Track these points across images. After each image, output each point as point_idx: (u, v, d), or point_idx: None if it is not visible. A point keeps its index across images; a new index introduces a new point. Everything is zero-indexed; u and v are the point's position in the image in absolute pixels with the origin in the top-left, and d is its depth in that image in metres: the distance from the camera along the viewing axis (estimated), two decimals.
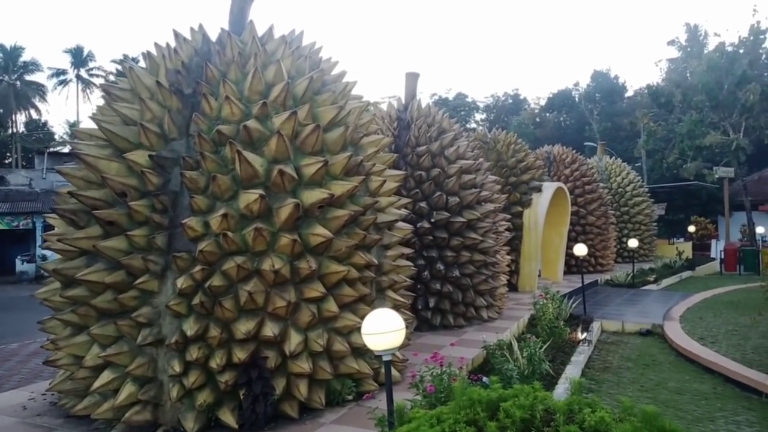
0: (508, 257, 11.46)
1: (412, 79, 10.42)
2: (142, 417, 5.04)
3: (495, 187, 10.76)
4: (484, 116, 59.83)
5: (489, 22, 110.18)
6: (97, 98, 53.59)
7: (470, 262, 9.45)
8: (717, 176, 25.19)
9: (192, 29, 6.09)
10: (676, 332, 9.72)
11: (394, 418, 2.99)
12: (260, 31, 6.18)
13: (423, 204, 9.26)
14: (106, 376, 5.11)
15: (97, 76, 53.87)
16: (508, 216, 12.14)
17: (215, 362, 4.95)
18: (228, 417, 4.97)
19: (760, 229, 23.48)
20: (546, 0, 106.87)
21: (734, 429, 5.72)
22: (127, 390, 5.01)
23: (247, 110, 5.45)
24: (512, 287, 13.32)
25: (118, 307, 5.11)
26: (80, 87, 54.42)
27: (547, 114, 56.74)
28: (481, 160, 10.65)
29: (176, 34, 5.96)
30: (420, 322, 9.12)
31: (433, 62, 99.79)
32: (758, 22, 26.10)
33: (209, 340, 4.99)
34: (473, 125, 52.74)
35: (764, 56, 36.89)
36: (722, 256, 22.27)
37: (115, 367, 5.13)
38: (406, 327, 6.84)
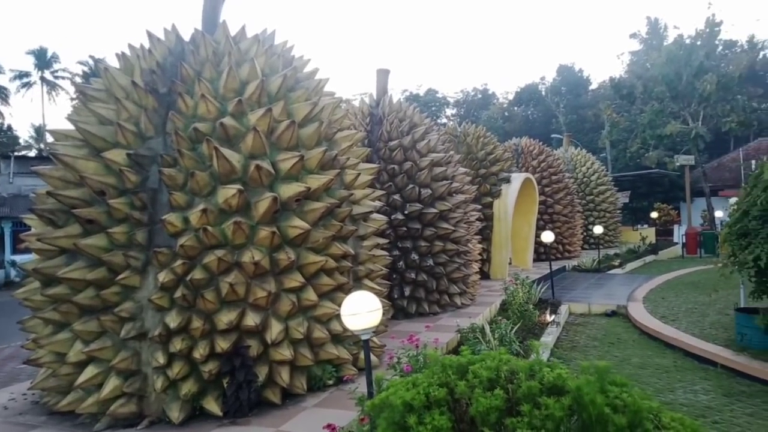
0: (480, 246, 11.81)
1: (383, 75, 10.66)
2: (128, 409, 5.15)
3: (466, 179, 11.08)
4: (454, 111, 60.50)
5: (457, 19, 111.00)
6: (64, 100, 52.23)
7: (443, 251, 9.74)
8: (678, 164, 26.13)
9: (165, 29, 6.18)
10: (639, 312, 10.20)
11: (373, 388, 3.22)
12: (233, 30, 6.31)
13: (396, 196, 9.50)
14: (90, 371, 5.20)
15: (63, 78, 52.50)
16: (479, 206, 12.48)
17: (198, 353, 5.10)
18: (212, 405, 5.13)
19: (718, 213, 24.47)
20: None
21: (692, 397, 6.13)
22: (112, 384, 5.12)
23: (223, 108, 5.59)
24: (484, 275, 13.71)
25: (101, 303, 5.21)
26: (45, 89, 52.93)
27: (515, 108, 57.68)
28: (451, 153, 10.94)
29: (150, 35, 6.04)
30: (396, 310, 9.39)
31: (403, 59, 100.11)
32: (713, 15, 27.10)
33: (192, 331, 5.14)
34: (444, 120, 53.28)
35: (720, 48, 38.26)
36: (684, 241, 23.16)
37: (98, 362, 5.23)
38: (383, 314, 7.11)
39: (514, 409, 2.47)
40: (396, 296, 9.37)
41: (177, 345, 5.08)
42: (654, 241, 24.24)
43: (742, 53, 34.36)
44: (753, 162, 23.01)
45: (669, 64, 25.52)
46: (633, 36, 46.67)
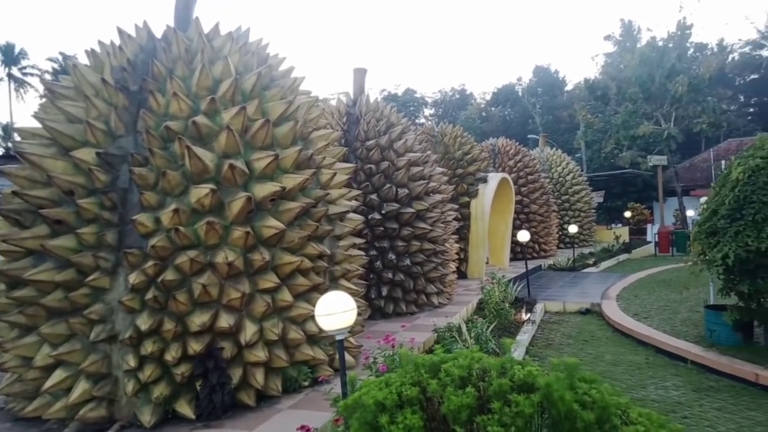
0: (457, 245, 11.87)
1: (360, 74, 10.63)
2: (97, 414, 5.04)
3: (443, 179, 11.13)
4: (432, 111, 60.76)
5: (436, 19, 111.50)
6: (32, 98, 50.96)
7: (420, 251, 9.76)
8: (651, 164, 26.65)
9: (137, 26, 6.07)
10: (612, 310, 10.37)
11: (347, 389, 3.20)
12: (206, 28, 6.22)
13: (373, 196, 9.49)
14: (58, 376, 5.08)
15: (31, 75, 51.24)
16: (456, 206, 12.55)
17: (171, 355, 5.02)
18: (185, 408, 5.05)
19: (690, 213, 25.03)
20: None
21: (663, 393, 6.24)
22: (81, 388, 5.00)
23: (196, 106, 5.50)
24: (462, 275, 13.80)
25: (69, 305, 5.09)
26: (13, 86, 51.59)
27: (493, 108, 58.21)
28: (428, 152, 10.98)
29: (120, 32, 5.92)
30: (373, 310, 9.38)
31: (382, 59, 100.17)
32: (684, 18, 27.72)
33: (164, 333, 5.05)
34: (422, 120, 53.48)
35: (691, 50, 39.13)
36: (656, 239, 23.62)
37: (67, 366, 5.11)
38: (360, 315, 7.09)
39: (485, 406, 2.48)
40: (373, 296, 9.36)
41: (148, 347, 4.99)
42: (627, 240, 24.69)
43: (712, 56, 35.29)
44: (723, 162, 23.62)
45: (642, 66, 26.05)
46: (607, 38, 47.51)
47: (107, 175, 5.27)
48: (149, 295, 5.02)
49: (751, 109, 51.19)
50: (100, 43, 5.95)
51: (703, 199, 8.11)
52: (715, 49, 47.03)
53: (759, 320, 7.11)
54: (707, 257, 7.24)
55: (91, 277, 5.05)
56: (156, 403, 5.03)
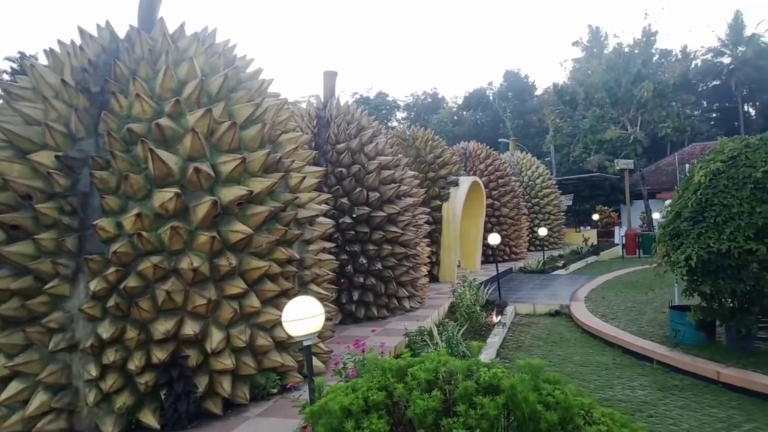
0: (429, 249, 11.90)
1: (330, 77, 10.59)
2: (56, 426, 4.87)
3: (414, 182, 11.14)
4: (405, 115, 60.98)
5: (408, 23, 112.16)
6: None
7: (392, 254, 9.75)
8: (618, 168, 27.25)
9: (98, 26, 5.91)
10: (581, 311, 10.52)
11: (315, 395, 3.16)
12: (171, 28, 6.10)
13: (344, 200, 9.44)
14: (14, 387, 4.89)
15: None
16: (428, 209, 12.59)
17: (134, 364, 4.88)
18: (149, 418, 4.91)
19: (656, 215, 25.64)
20: (460, 1, 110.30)
21: (629, 393, 6.34)
22: (39, 399, 4.83)
23: (159, 108, 5.39)
24: (433, 278, 13.83)
25: (26, 314, 4.91)
26: None
27: (464, 112, 58.77)
28: (400, 156, 10.98)
29: (81, 31, 5.76)
30: (345, 315, 9.32)
31: (354, 62, 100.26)
32: (650, 25, 28.54)
33: (127, 342, 4.91)
34: (395, 123, 53.62)
35: (656, 56, 40.24)
36: (624, 242, 24.11)
37: (24, 377, 4.92)
38: (330, 320, 7.04)
39: (451, 409, 2.46)
40: (344, 301, 9.30)
41: (110, 356, 4.85)
42: (596, 243, 25.12)
43: (676, 62, 36.32)
44: (687, 166, 24.27)
45: (609, 72, 26.66)
46: (575, 44, 48.47)
47: (67, 178, 5.11)
48: (111, 302, 4.88)
49: (714, 114, 52.90)
50: (60, 42, 5.78)
51: (668, 202, 8.30)
52: (679, 56, 48.50)
53: (721, 320, 7.30)
54: (671, 259, 7.40)
55: (49, 285, 4.88)
56: (119, 414, 4.89)
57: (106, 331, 4.83)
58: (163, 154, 5.07)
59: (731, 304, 7.16)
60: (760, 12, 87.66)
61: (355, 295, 9.36)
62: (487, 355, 7.49)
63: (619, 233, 27.14)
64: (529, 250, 21.98)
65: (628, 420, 2.33)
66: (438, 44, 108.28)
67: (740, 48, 48.29)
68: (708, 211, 6.98)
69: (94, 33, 5.88)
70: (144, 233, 4.92)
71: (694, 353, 7.13)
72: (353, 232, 9.42)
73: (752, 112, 52.48)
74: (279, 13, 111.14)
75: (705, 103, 53.35)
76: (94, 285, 4.84)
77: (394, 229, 9.72)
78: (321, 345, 6.52)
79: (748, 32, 48.80)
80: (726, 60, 49.21)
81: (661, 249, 7.77)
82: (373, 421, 2.48)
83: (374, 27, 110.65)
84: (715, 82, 51.21)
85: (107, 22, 5.96)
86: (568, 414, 2.22)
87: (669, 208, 7.97)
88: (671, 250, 7.45)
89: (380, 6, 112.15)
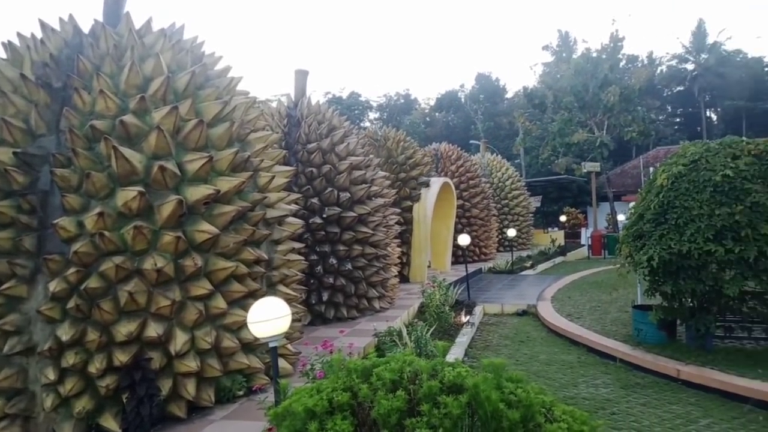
0: (399, 249, 11.92)
1: (301, 76, 10.51)
2: None
3: (385, 183, 11.15)
4: (377, 115, 61.04)
5: (381, 23, 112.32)
6: None
7: (362, 255, 9.73)
8: (585, 170, 27.78)
9: (61, 20, 5.74)
10: (547, 311, 10.70)
11: (280, 397, 3.13)
12: (137, 23, 5.97)
13: (315, 200, 9.39)
14: None
15: None
16: (399, 210, 12.61)
17: (94, 367, 4.76)
18: (110, 422, 4.79)
19: (621, 217, 26.24)
20: (434, 3, 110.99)
21: (593, 391, 6.47)
22: None
23: (124, 105, 5.26)
24: (404, 278, 13.87)
25: None
26: None
27: (437, 114, 59.14)
28: (371, 156, 10.97)
29: (43, 25, 5.58)
30: (314, 316, 9.27)
31: (326, 61, 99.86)
32: (617, 31, 29.19)
33: (87, 344, 4.78)
34: (367, 124, 53.61)
35: (623, 62, 41.21)
36: (590, 243, 24.61)
37: None
38: (299, 321, 6.98)
39: (415, 409, 2.47)
40: (314, 301, 9.25)
41: (70, 359, 4.72)
42: (563, 244, 25.60)
43: (642, 68, 37.31)
44: (651, 169, 24.90)
45: (577, 76, 27.19)
46: (545, 48, 49.33)
47: (26, 176, 4.95)
48: (71, 303, 4.75)
49: (678, 119, 54.53)
50: (20, 35, 5.60)
51: (632, 204, 8.50)
52: (645, 62, 49.83)
53: (681, 319, 7.50)
54: (634, 259, 7.58)
55: (5, 285, 4.73)
56: (78, 418, 4.76)
57: (65, 333, 4.70)
58: (126, 151, 4.95)
59: (691, 304, 7.37)
60: (723, 20, 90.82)
61: (325, 296, 9.31)
62: (455, 354, 7.55)
63: (585, 234, 27.70)
64: (498, 251, 22.25)
65: (588, 417, 2.38)
66: (411, 45, 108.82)
67: (703, 55, 49.94)
68: (670, 213, 7.17)
69: (57, 27, 5.71)
70: (106, 233, 4.80)
71: (655, 352, 7.32)
72: (323, 233, 9.37)
73: (714, 117, 54.32)
74: (250, 11, 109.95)
75: (669, 108, 54.96)
76: (54, 286, 4.70)
77: (364, 229, 9.71)
78: (289, 346, 6.46)
79: (710, 40, 50.50)
80: (690, 66, 50.79)
81: (624, 250, 7.95)
82: (337, 422, 2.47)
83: (348, 27, 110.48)
84: (679, 88, 52.81)
85: (70, 16, 5.80)
86: (530, 412, 2.25)
87: (633, 210, 8.16)
88: (634, 250, 7.63)
89: (354, 5, 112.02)
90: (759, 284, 6.68)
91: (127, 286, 4.85)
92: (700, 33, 50.91)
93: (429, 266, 15.79)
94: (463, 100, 57.23)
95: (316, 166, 9.56)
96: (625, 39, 29.31)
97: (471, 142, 39.35)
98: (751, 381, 5.95)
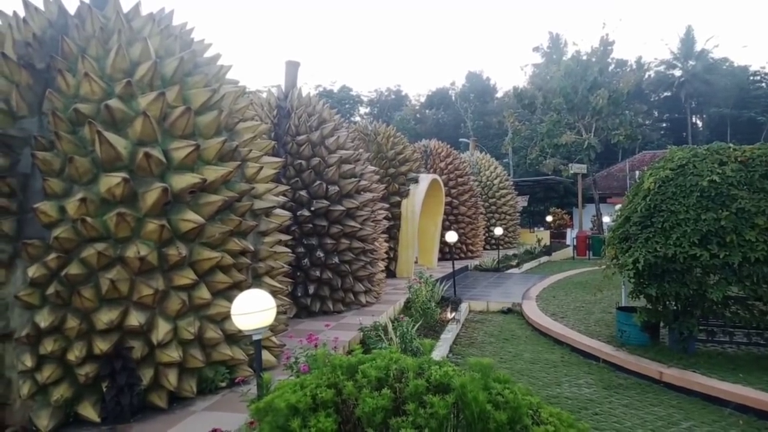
0: (386, 245, 11.89)
1: (292, 67, 10.38)
2: None
3: (374, 177, 11.09)
4: (368, 110, 60.82)
5: (374, 17, 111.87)
6: None
7: (349, 249, 9.68)
8: (571, 172, 27.96)
9: None
10: (532, 310, 10.74)
11: (263, 391, 3.08)
12: (126, 7, 5.83)
13: (303, 192, 9.31)
14: None
15: None
16: (387, 205, 12.57)
17: (74, 355, 4.66)
18: (89, 411, 4.70)
19: (606, 219, 26.47)
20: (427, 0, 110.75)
21: (576, 390, 6.50)
22: None
23: (109, 89, 5.14)
24: (391, 274, 13.85)
25: None
26: None
27: (427, 111, 59.10)
28: (361, 150, 10.90)
29: (26, 4, 5.42)
30: (299, 309, 9.20)
31: (318, 54, 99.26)
32: (607, 35, 29.29)
33: (66, 331, 4.68)
34: (358, 118, 53.39)
35: (612, 66, 41.47)
36: (575, 243, 24.80)
37: None
38: (284, 313, 6.92)
39: (400, 408, 2.43)
40: (300, 294, 9.18)
41: (48, 346, 4.61)
42: (548, 243, 25.76)
43: (630, 72, 37.52)
44: (637, 172, 25.16)
45: (566, 78, 27.29)
46: (536, 49, 49.55)
47: (5, 158, 4.82)
48: (51, 289, 4.64)
49: (664, 124, 55.05)
50: (1, 13, 5.43)
51: (618, 207, 8.54)
52: (634, 66, 50.18)
53: (664, 322, 7.56)
54: (620, 261, 7.62)
55: None
56: (55, 406, 4.65)
57: (44, 319, 4.59)
58: (111, 137, 4.84)
59: (675, 307, 7.43)
60: (711, 28, 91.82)
61: (311, 289, 9.25)
62: (440, 351, 7.54)
63: (570, 235, 27.91)
64: (484, 249, 22.33)
65: (574, 420, 2.35)
66: (403, 41, 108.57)
67: (690, 62, 50.41)
68: (656, 216, 7.21)
69: (41, 6, 5.55)
70: (88, 219, 4.69)
71: (638, 353, 7.37)
72: (311, 225, 9.30)
73: (699, 123, 54.95)
74: (242, 2, 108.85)
75: (656, 113, 55.46)
76: (33, 271, 4.59)
77: (352, 223, 9.65)
78: (273, 339, 6.40)
79: (698, 47, 50.99)
80: (677, 72, 51.25)
81: (610, 251, 7.99)
82: (321, 420, 2.42)
83: (341, 20, 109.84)
84: (666, 94, 53.30)
85: None
86: (517, 414, 2.22)
87: (619, 213, 8.20)
88: (620, 252, 7.66)
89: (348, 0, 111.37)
90: (742, 289, 6.75)
91: (109, 273, 4.74)
92: (688, 40, 51.36)
93: (416, 262, 15.78)
94: (453, 97, 57.21)
95: (305, 159, 9.48)
96: (614, 43, 29.46)
97: (460, 140, 39.39)
98: (732, 385, 6.01)
